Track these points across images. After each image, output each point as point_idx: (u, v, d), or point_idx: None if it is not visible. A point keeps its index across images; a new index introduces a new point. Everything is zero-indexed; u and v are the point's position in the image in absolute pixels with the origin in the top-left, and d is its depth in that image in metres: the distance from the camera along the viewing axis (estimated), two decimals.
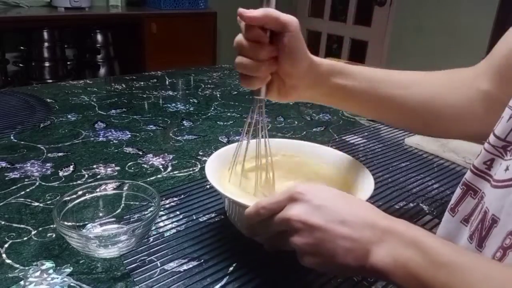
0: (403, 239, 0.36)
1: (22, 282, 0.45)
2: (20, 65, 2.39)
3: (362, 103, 0.58)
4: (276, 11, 0.48)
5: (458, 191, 0.45)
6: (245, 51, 0.48)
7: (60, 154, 0.75)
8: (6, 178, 0.66)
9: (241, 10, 0.47)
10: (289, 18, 0.48)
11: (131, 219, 0.55)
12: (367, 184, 0.53)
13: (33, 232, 0.53)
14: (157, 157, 0.76)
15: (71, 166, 0.71)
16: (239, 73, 0.50)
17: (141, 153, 0.77)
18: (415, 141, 0.90)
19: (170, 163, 0.74)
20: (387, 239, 0.36)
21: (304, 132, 0.93)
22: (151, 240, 0.53)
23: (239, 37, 0.48)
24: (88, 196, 0.53)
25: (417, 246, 0.35)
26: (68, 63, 2.52)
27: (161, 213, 0.59)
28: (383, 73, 0.58)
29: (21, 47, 2.38)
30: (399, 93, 0.57)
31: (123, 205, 0.56)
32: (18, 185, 0.64)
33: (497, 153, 0.41)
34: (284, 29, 0.48)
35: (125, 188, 0.57)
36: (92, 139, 0.82)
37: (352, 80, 0.56)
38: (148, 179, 0.68)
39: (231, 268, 0.49)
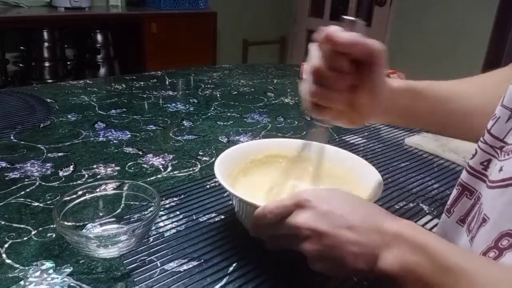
0: (412, 244, 0.36)
1: (22, 282, 0.45)
2: (20, 65, 2.39)
3: (431, 122, 0.56)
4: (367, 40, 0.42)
5: (454, 192, 0.45)
6: (324, 80, 0.43)
7: (60, 154, 0.75)
8: (6, 178, 0.66)
9: (331, 32, 0.41)
10: (379, 49, 0.42)
11: (131, 219, 0.55)
12: (376, 186, 0.53)
13: (33, 232, 0.53)
14: (157, 157, 0.76)
15: (71, 166, 0.71)
16: (310, 101, 0.46)
17: (141, 153, 0.77)
18: (415, 141, 0.90)
19: (170, 163, 0.74)
20: (396, 244, 0.37)
21: (304, 132, 0.93)
22: (151, 240, 0.53)
23: (318, 64, 0.43)
24: (88, 196, 0.53)
25: (425, 251, 0.35)
26: (68, 63, 2.52)
27: (161, 213, 0.59)
28: (448, 87, 0.54)
29: (21, 47, 2.38)
30: (462, 105, 0.53)
31: (123, 205, 0.56)
32: (18, 185, 0.64)
33: (494, 153, 0.41)
34: (372, 60, 0.43)
35: (125, 188, 0.57)
36: (92, 139, 0.82)
37: (422, 100, 0.52)
38: (148, 179, 0.68)
39: (231, 268, 0.49)
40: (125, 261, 0.49)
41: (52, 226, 0.54)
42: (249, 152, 0.62)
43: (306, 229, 0.39)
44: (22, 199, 0.60)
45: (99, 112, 0.98)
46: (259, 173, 0.62)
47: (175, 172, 0.71)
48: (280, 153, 0.63)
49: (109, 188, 0.56)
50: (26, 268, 0.47)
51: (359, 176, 0.58)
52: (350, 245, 0.38)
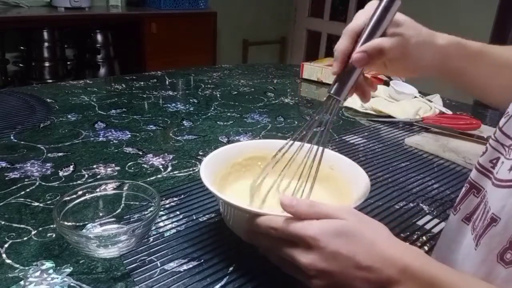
0: (420, 280, 0.36)
1: (22, 282, 0.45)
2: (20, 65, 2.39)
3: (482, 89, 0.57)
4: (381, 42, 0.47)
5: (462, 190, 0.45)
6: None
7: (60, 154, 0.75)
8: (6, 178, 0.66)
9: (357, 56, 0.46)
10: (391, 44, 0.47)
11: (131, 219, 0.55)
12: (362, 187, 0.53)
13: (33, 232, 0.53)
14: (157, 157, 0.76)
15: (71, 166, 0.71)
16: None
17: (141, 153, 0.77)
18: (415, 141, 0.90)
19: (170, 163, 0.74)
20: (404, 281, 0.37)
21: (304, 132, 0.93)
22: (151, 240, 0.53)
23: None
24: (88, 196, 0.53)
25: (434, 286, 0.35)
26: (68, 63, 2.52)
27: (161, 213, 0.59)
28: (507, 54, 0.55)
29: (21, 47, 2.37)
30: None
31: (123, 205, 0.56)
32: (18, 185, 0.64)
33: (502, 151, 0.41)
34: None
35: (125, 188, 0.57)
36: (92, 139, 0.82)
37: (474, 65, 0.53)
38: (148, 179, 0.68)
39: (231, 268, 0.49)
40: (125, 261, 0.49)
41: (52, 226, 0.54)
42: (229, 156, 0.61)
43: (313, 270, 0.39)
44: (22, 199, 0.60)
45: (99, 112, 0.98)
46: (240, 176, 0.61)
47: (175, 172, 0.71)
48: (258, 155, 0.63)
49: (109, 188, 0.56)
50: (26, 268, 0.47)
51: (345, 175, 0.58)
52: (359, 281, 0.38)
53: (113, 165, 0.72)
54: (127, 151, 0.78)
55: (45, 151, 0.76)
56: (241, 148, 0.63)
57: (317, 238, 0.39)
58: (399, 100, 1.12)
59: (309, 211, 0.42)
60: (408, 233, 0.58)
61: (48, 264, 0.47)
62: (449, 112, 1.08)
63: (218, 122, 0.96)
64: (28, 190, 0.63)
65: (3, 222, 0.55)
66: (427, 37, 0.50)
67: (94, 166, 0.71)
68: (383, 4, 0.46)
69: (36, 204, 0.59)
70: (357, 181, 0.55)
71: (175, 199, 0.63)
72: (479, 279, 0.38)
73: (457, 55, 0.52)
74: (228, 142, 0.85)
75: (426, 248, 0.55)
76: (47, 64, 2.39)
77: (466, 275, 0.38)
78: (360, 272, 0.38)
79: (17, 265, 0.47)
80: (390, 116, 1.05)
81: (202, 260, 0.50)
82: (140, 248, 0.51)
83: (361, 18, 0.48)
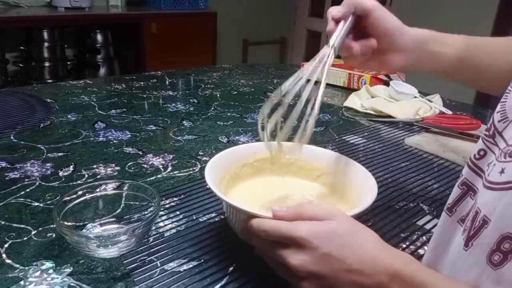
0: (411, 286, 0.36)
1: (22, 282, 0.45)
2: (20, 65, 2.39)
3: (460, 71, 0.62)
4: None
5: (457, 191, 0.45)
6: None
7: (60, 154, 0.75)
8: (6, 178, 0.66)
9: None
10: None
11: (131, 219, 0.55)
12: (369, 191, 0.52)
13: (33, 232, 0.53)
14: (157, 157, 0.76)
15: (71, 166, 0.71)
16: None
17: (141, 153, 0.77)
18: (415, 141, 0.90)
19: (170, 163, 0.74)
20: (394, 285, 0.37)
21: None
22: (151, 240, 0.53)
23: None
24: (88, 196, 0.53)
25: None
26: (68, 63, 2.52)
27: (161, 213, 0.59)
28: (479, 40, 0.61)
29: (21, 47, 2.38)
30: (495, 57, 0.60)
31: (123, 205, 0.56)
32: (18, 185, 0.64)
33: (496, 152, 0.41)
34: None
35: (125, 188, 0.57)
36: (92, 139, 0.82)
37: (448, 47, 0.60)
38: (148, 179, 0.68)
39: (231, 268, 0.49)
40: (125, 261, 0.49)
41: (52, 226, 0.54)
42: (240, 156, 0.60)
43: (304, 272, 0.39)
44: (22, 199, 0.60)
45: (99, 112, 0.98)
46: (250, 177, 0.61)
47: (175, 172, 0.71)
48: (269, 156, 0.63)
49: (109, 188, 0.56)
50: (26, 268, 0.47)
51: (352, 180, 0.57)
52: (350, 286, 0.38)
53: (113, 165, 0.72)
54: (127, 151, 0.78)
55: (45, 151, 0.76)
56: (252, 149, 0.63)
57: (308, 240, 0.39)
58: (399, 100, 1.12)
59: (300, 215, 0.42)
60: (408, 233, 0.58)
61: (48, 264, 0.47)
62: (449, 112, 1.08)
63: (218, 122, 0.96)
64: (28, 190, 0.63)
65: (3, 222, 0.55)
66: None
67: (94, 166, 0.71)
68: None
69: (36, 204, 0.59)
70: (365, 188, 0.54)
71: (175, 199, 0.63)
72: (468, 285, 0.38)
73: (428, 40, 0.63)
74: (228, 142, 0.85)
75: (425, 248, 0.55)
76: (47, 64, 2.39)
77: (456, 282, 0.38)
78: (350, 276, 0.38)
79: (17, 265, 0.47)
80: (390, 116, 1.05)
81: (202, 260, 0.50)
82: (140, 248, 0.51)
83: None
